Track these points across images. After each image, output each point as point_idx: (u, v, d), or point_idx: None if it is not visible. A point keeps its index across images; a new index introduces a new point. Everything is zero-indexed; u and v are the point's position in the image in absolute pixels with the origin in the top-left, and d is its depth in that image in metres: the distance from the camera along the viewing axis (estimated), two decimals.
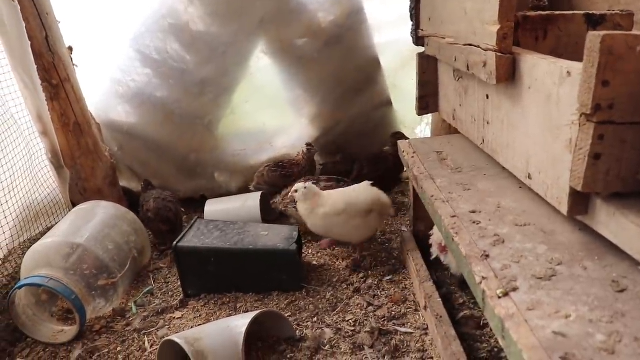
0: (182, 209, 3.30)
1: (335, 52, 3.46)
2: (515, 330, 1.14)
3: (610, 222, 1.33)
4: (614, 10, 2.14)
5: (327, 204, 2.65)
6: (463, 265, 1.52)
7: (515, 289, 1.29)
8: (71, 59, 3.00)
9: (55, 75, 2.87)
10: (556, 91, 1.45)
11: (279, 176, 3.44)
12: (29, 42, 2.68)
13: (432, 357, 2.04)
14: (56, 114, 2.94)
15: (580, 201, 1.43)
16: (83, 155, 3.07)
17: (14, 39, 2.65)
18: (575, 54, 1.46)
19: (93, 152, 3.11)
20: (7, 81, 2.71)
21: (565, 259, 1.40)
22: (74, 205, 3.00)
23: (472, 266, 1.42)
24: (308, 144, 3.50)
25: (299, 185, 2.71)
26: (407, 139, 3.27)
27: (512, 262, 1.41)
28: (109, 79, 3.41)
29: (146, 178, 3.45)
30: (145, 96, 3.42)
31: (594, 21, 2.13)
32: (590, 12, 2.12)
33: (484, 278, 1.35)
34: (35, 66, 2.75)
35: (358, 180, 3.40)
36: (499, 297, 1.27)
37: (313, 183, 2.85)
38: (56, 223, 2.76)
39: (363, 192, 2.71)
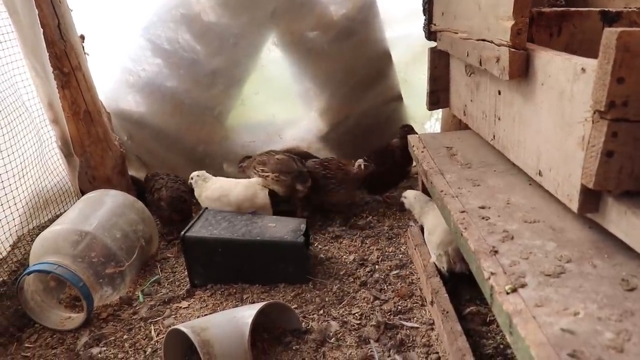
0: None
1: (346, 46, 3.44)
2: (523, 327, 1.14)
3: (621, 220, 1.32)
4: (630, 8, 2.12)
5: (209, 189, 2.99)
6: (471, 261, 1.52)
7: (523, 285, 1.28)
8: (83, 47, 3.01)
9: (66, 63, 2.87)
10: (570, 88, 1.44)
11: (319, 175, 3.22)
12: (41, 30, 2.68)
13: (437, 352, 2.04)
14: (67, 102, 2.95)
15: (591, 199, 1.42)
16: (93, 144, 3.09)
17: (27, 26, 2.65)
18: (589, 52, 1.45)
19: (103, 141, 3.13)
20: (19, 68, 2.70)
21: (574, 257, 1.40)
22: (83, 193, 3.01)
23: (481, 262, 1.41)
24: (366, 160, 3.26)
25: (194, 174, 3.06)
26: (416, 132, 3.26)
27: (521, 259, 1.41)
28: (119, 68, 3.41)
29: (154, 169, 3.46)
30: (155, 86, 3.43)
31: (610, 18, 2.11)
32: (606, 9, 2.11)
33: (492, 274, 1.35)
34: (47, 54, 2.75)
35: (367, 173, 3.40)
36: (507, 293, 1.27)
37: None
38: (65, 211, 2.77)
39: (240, 189, 2.96)
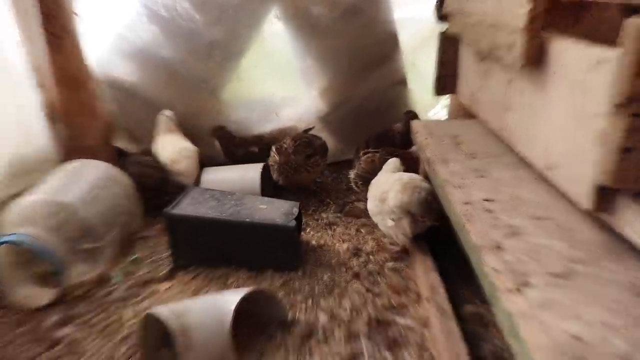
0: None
1: (353, 24, 3.33)
2: (525, 329, 1.07)
3: (636, 221, 1.24)
4: None
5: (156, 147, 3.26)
6: (473, 255, 1.44)
7: (528, 285, 1.21)
8: (74, 10, 2.88)
9: (56, 25, 2.75)
10: (586, 79, 1.37)
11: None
12: None
13: (430, 352, 1.93)
14: (55, 66, 2.82)
15: (604, 197, 1.35)
16: (79, 112, 2.96)
17: None
18: (607, 44, 1.39)
19: (90, 109, 3.01)
20: (7, 29, 2.59)
21: (583, 258, 1.32)
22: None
23: (483, 257, 1.33)
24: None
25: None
26: (419, 119, 3.20)
27: (526, 257, 1.33)
28: (112, 34, 3.30)
29: (142, 141, 3.39)
30: (150, 54, 3.31)
31: (630, 10, 2.04)
32: (627, 1, 2.04)
33: (495, 270, 1.27)
34: (37, 15, 2.63)
35: None
36: (510, 292, 1.19)
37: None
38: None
39: (170, 150, 3.18)
